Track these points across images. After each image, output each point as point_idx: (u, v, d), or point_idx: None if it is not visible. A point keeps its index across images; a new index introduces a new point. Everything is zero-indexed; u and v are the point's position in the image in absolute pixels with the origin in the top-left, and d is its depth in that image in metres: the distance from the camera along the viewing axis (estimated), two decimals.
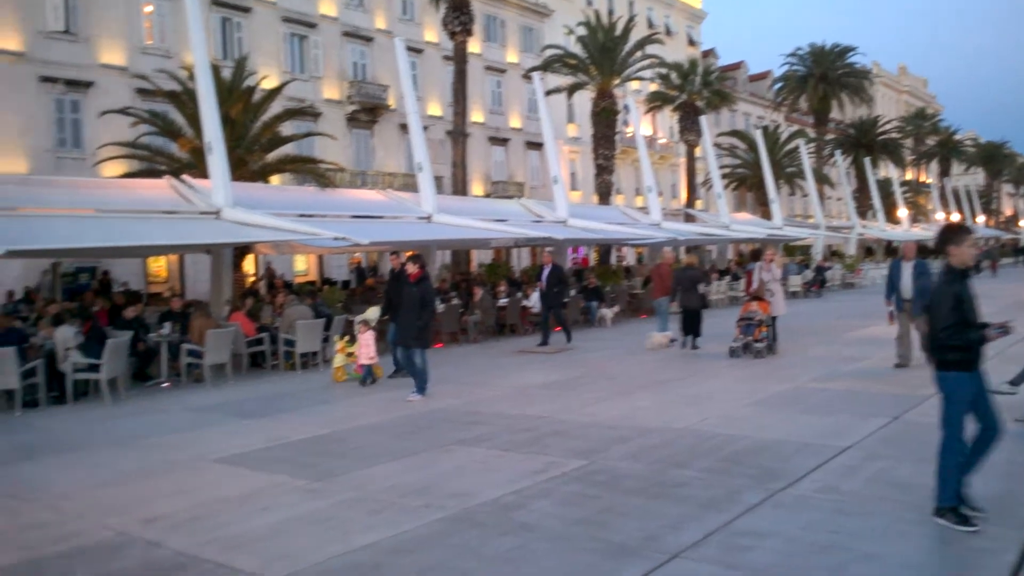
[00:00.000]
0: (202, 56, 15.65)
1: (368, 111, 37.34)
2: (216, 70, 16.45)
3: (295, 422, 9.70)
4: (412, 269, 10.89)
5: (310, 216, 16.72)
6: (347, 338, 13.05)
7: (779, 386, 10.74)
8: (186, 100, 20.35)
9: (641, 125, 33.21)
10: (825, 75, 54.35)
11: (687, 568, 4.77)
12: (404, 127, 35.91)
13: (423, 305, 10.73)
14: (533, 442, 8.12)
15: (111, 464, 7.98)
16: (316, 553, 5.24)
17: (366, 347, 12.19)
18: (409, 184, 32.04)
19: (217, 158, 15.47)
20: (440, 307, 17.72)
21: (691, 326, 15.00)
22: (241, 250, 18.86)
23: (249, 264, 21.58)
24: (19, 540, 5.76)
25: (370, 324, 12.49)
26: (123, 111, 21.84)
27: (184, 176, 16.86)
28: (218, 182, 15.46)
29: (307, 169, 22.86)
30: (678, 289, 15.00)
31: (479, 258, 32.58)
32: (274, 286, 21.52)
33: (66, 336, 11.41)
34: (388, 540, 5.44)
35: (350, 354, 12.65)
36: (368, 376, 12.14)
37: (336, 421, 9.63)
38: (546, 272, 16.85)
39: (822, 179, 51.01)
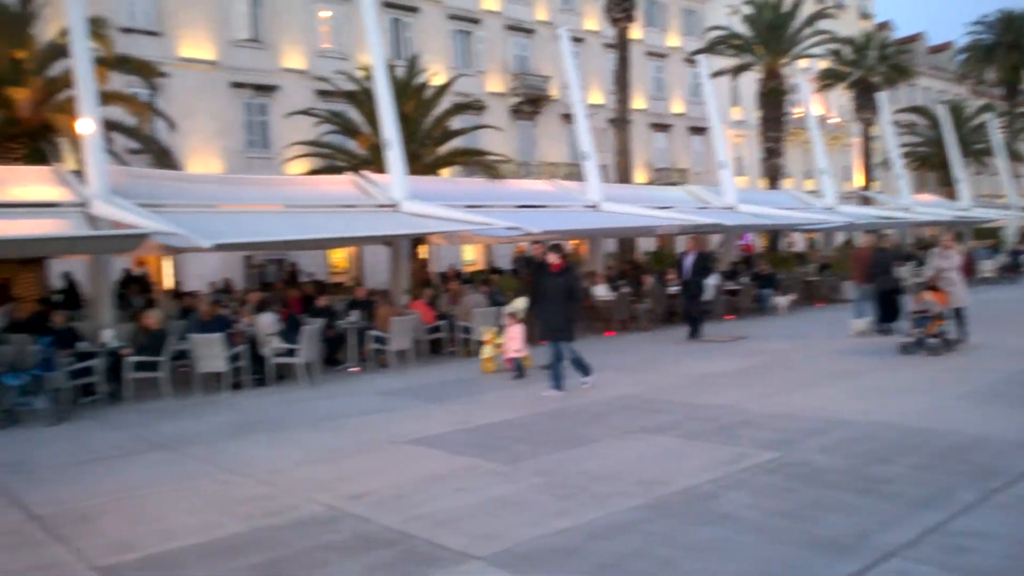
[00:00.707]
0: (379, 57, 16.33)
1: (531, 102, 37.76)
2: (390, 69, 17.11)
3: (477, 407, 9.96)
4: (554, 259, 10.48)
5: (478, 207, 17.11)
6: (495, 329, 13.03)
7: (980, 379, 10.01)
8: (363, 99, 21.31)
9: (811, 104, 31.75)
10: (1017, 43, 49.97)
11: (905, 568, 4.53)
12: (566, 117, 36.04)
13: (569, 296, 10.32)
14: (719, 431, 7.97)
15: (313, 443, 8.50)
16: (516, 535, 5.37)
17: (513, 340, 11.94)
18: (571, 174, 32.16)
19: (395, 153, 16.13)
20: (610, 295, 17.69)
21: (887, 309, 14.27)
22: (416, 241, 19.58)
23: (423, 254, 22.35)
24: (239, 512, 6.23)
25: (518, 316, 12.32)
26: (305, 112, 23.15)
27: (363, 171, 17.68)
28: (396, 176, 16.12)
29: (475, 161, 23.39)
30: (875, 272, 14.31)
31: (643, 246, 32.24)
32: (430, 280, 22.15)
33: (267, 323, 12.25)
34: (584, 525, 5.49)
35: (498, 345, 12.59)
36: (518, 370, 11.93)
37: (517, 407, 9.81)
38: (689, 260, 15.95)
39: (1014, 155, 46.99)
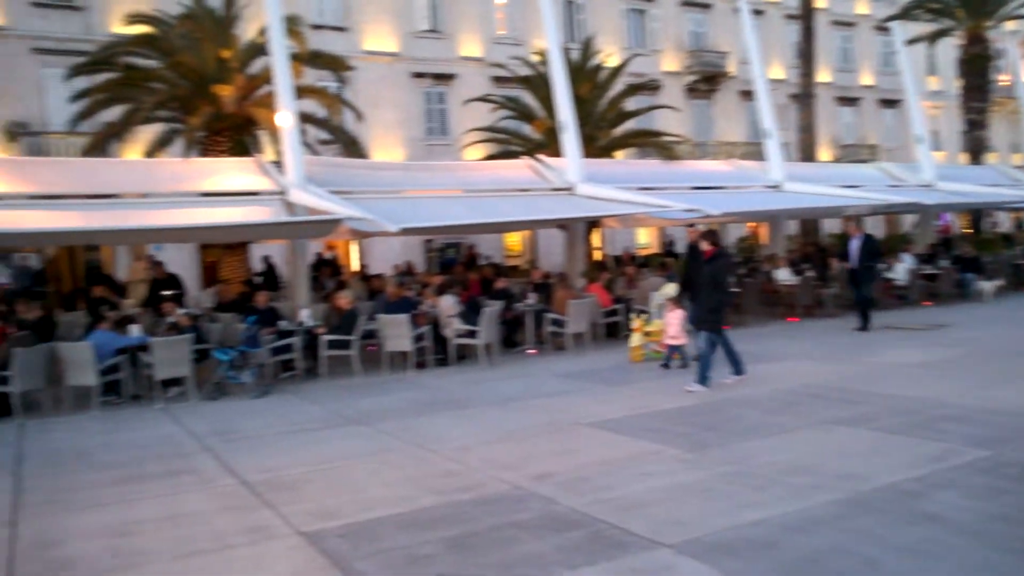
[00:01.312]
0: (554, 41, 16.37)
1: (707, 80, 36.68)
2: (564, 53, 17.10)
3: (658, 391, 9.81)
4: (705, 246, 10.06)
5: (653, 189, 16.82)
6: (644, 316, 12.54)
7: None
8: (538, 84, 21.46)
9: (1021, 71, 28.90)
10: None
11: None
12: (745, 94, 34.76)
13: (715, 285, 9.83)
14: (923, 426, 7.43)
15: (496, 422, 8.67)
16: (705, 524, 5.24)
17: (673, 326, 11.44)
18: (750, 153, 30.99)
19: (570, 137, 16.14)
20: (793, 279, 16.94)
21: None
22: (591, 224, 19.53)
23: (597, 237, 22.29)
24: (431, 486, 6.45)
25: (673, 301, 11.76)
26: (482, 99, 23.60)
27: (539, 155, 17.82)
28: (571, 159, 16.13)
29: (650, 143, 23.00)
30: None
31: (826, 228, 30.63)
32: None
33: (448, 305, 12.64)
34: (778, 517, 5.28)
35: (647, 333, 12.18)
36: (668, 358, 11.50)
37: (700, 393, 9.58)
38: (855, 245, 14.57)
39: None
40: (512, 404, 9.55)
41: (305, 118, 17.04)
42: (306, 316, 12.72)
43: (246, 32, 17.32)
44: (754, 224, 30.06)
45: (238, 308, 13.52)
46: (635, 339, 12.24)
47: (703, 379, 9.71)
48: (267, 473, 7.04)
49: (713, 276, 9.80)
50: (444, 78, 30.74)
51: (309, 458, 7.54)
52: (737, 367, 10.04)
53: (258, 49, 16.47)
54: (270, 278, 19.75)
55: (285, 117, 13.44)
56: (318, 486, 6.61)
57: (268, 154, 16.24)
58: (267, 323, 12.08)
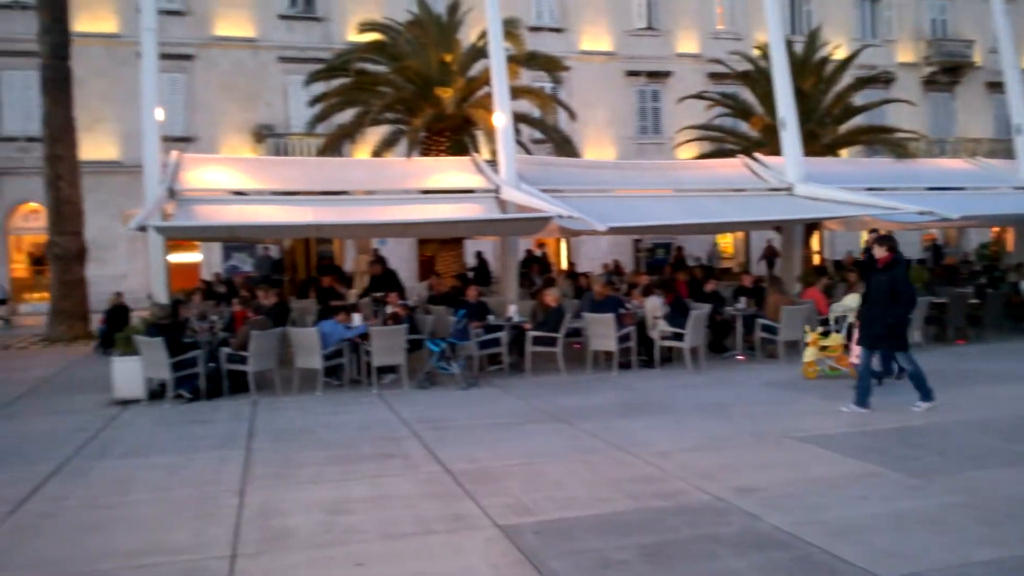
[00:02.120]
0: (777, 34, 15.64)
1: (948, 71, 33.68)
2: (787, 45, 16.30)
3: (883, 407, 9.08)
4: (879, 252, 9.02)
5: (882, 189, 15.65)
6: (820, 330, 11.32)
7: None
8: (757, 79, 20.67)
9: None
10: None
11: None
12: (992, 86, 31.64)
13: (894, 297, 8.82)
14: None
15: (699, 429, 8.40)
16: (929, 558, 4.78)
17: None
18: (997, 151, 28.10)
19: (790, 134, 15.38)
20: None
21: None
22: (809, 226, 18.52)
23: (815, 241, 21.14)
24: (629, 490, 6.34)
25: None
26: (698, 96, 23.07)
27: (756, 154, 17.13)
28: (790, 158, 15.37)
29: (880, 139, 21.46)
30: None
31: None
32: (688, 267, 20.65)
33: (655, 305, 12.42)
34: (1013, 560, 4.71)
35: (823, 348, 11.08)
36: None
37: (931, 412, 8.77)
38: None
39: None
40: (716, 411, 9.22)
41: (520, 118, 17.43)
42: (514, 311, 12.98)
43: (468, 36, 17.97)
44: (998, 229, 27.25)
45: (450, 301, 14.05)
46: (808, 353, 11.04)
47: (861, 400, 8.90)
48: (470, 463, 7.24)
49: (891, 286, 8.82)
50: (659, 76, 30.38)
51: (510, 452, 7.67)
52: (926, 393, 8.97)
53: (478, 52, 17.05)
54: (482, 273, 20.40)
55: (500, 117, 13.80)
56: (517, 480, 6.70)
57: (484, 153, 16.76)
58: (476, 317, 12.44)
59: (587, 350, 12.49)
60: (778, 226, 17.22)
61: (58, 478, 7.20)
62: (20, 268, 26.08)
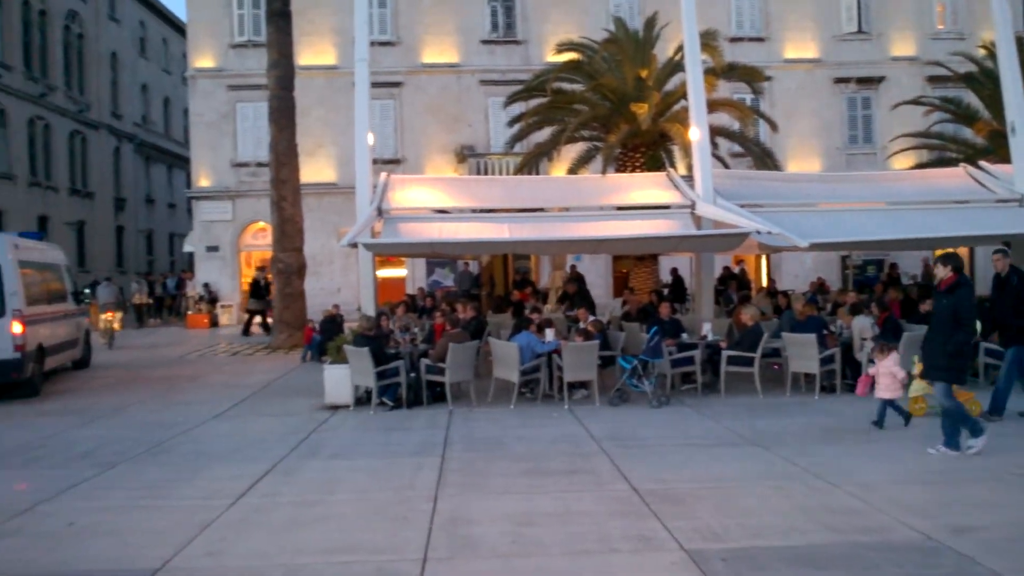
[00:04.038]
0: (1005, 31, 14.28)
1: None
2: (1017, 43, 14.84)
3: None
4: (942, 272, 8.01)
5: None
6: (915, 358, 9.54)
7: None
8: (982, 81, 19.07)
9: None
10: None
11: None
12: None
13: (955, 323, 7.76)
14: None
15: (911, 460, 7.79)
16: None
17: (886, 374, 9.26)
18: None
19: (1021, 140, 13.98)
20: None
21: None
22: None
23: None
24: (827, 521, 5.98)
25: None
26: (914, 101, 21.58)
27: (981, 162, 15.73)
28: (1022, 166, 13.97)
29: None
30: None
31: None
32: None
33: (863, 326, 11.67)
34: None
35: None
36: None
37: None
38: None
39: None
40: (933, 443, 8.48)
41: (718, 131, 17.06)
42: (708, 330, 12.65)
43: (664, 51, 17.83)
44: None
45: (644, 318, 13.92)
46: (916, 387, 9.52)
47: (949, 441, 7.97)
48: (658, 484, 7.11)
49: (955, 311, 7.81)
50: (869, 82, 28.62)
51: (700, 474, 7.46)
52: (949, 438, 7.97)
53: (674, 66, 16.88)
54: (677, 290, 20.06)
55: (696, 131, 13.54)
56: (707, 504, 6.50)
57: (680, 168, 16.53)
58: (670, 334, 12.24)
59: (786, 372, 11.94)
60: (1007, 242, 15.67)
61: (272, 476, 7.81)
62: (248, 282, 28.61)
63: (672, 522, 6.01)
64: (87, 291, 21.46)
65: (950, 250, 8.85)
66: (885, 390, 9.22)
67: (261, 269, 24.43)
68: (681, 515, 6.19)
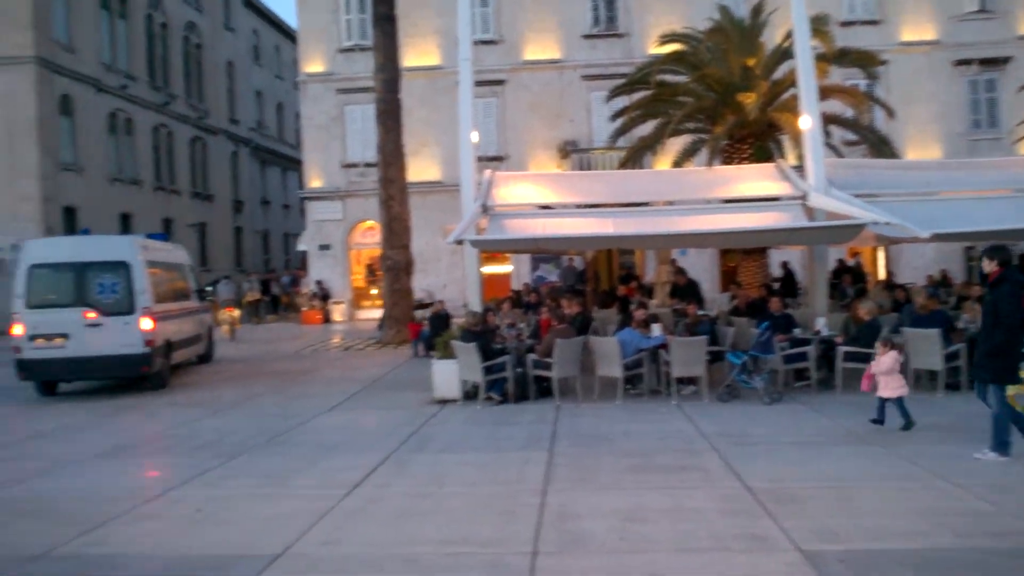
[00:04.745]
0: None
1: None
2: None
3: None
4: (989, 267, 7.41)
5: None
6: None
7: None
8: None
9: None
10: None
11: None
12: None
13: (996, 320, 7.21)
14: None
15: None
16: None
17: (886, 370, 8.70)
18: None
19: None
20: None
21: None
22: None
23: None
24: (952, 524, 5.72)
25: None
26: None
27: None
28: None
29: None
30: None
31: None
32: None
33: None
34: None
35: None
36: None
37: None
38: None
39: None
40: None
41: (830, 119, 16.49)
42: (822, 325, 12.26)
43: (772, 38, 17.34)
44: None
45: (753, 313, 13.60)
46: (1011, 388, 8.80)
47: (1001, 446, 7.36)
48: (771, 482, 6.95)
49: (995, 306, 7.27)
50: (994, 63, 27.08)
51: (815, 473, 7.25)
52: (1001, 445, 7.36)
53: (783, 54, 16.38)
54: (788, 284, 19.50)
55: (806, 120, 13.13)
56: (822, 504, 6.31)
57: (790, 158, 16.05)
58: (781, 329, 11.90)
59: (907, 368, 11.42)
60: None
61: (384, 467, 8.02)
62: (358, 278, 29.44)
63: (787, 522, 5.85)
64: (209, 289, 22.53)
65: (999, 242, 8.24)
66: (886, 388, 8.76)
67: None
68: (796, 515, 6.02)
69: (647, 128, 18.64)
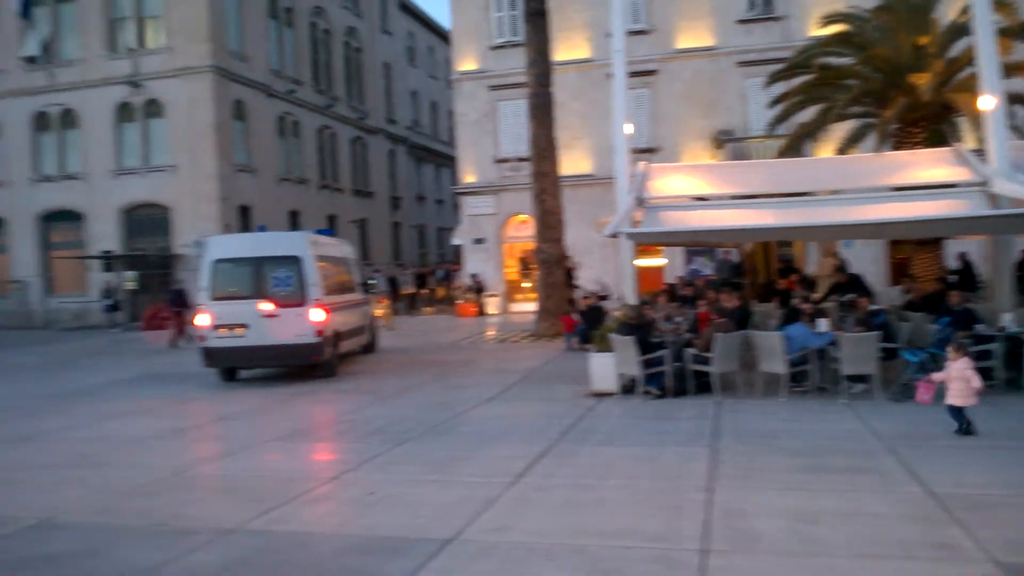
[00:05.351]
0: None
1: None
2: None
3: None
4: None
5: None
6: None
7: None
8: None
9: None
10: None
11: None
12: None
13: None
14: None
15: None
16: None
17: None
18: None
19: None
20: None
21: None
22: None
23: None
24: None
25: None
26: None
27: None
28: None
29: None
30: None
31: None
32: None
33: None
34: None
35: None
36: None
37: None
38: None
39: None
40: None
41: (1016, 99, 15.29)
42: (1008, 320, 11.37)
43: (945, 14, 16.23)
44: None
45: (929, 307, 12.81)
46: None
47: None
48: (957, 487, 6.53)
49: None
50: None
51: (1009, 479, 6.75)
52: None
53: (959, 30, 15.29)
54: (966, 277, 18.20)
55: (988, 100, 12.20)
56: (1018, 513, 5.87)
57: (969, 142, 14.97)
58: (961, 325, 11.14)
59: None
60: None
61: (547, 458, 8.10)
62: (511, 272, 29.85)
63: (979, 531, 5.49)
64: (372, 281, 23.49)
65: None
66: (956, 396, 8.23)
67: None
68: (989, 523, 5.63)
69: (808, 114, 17.85)
